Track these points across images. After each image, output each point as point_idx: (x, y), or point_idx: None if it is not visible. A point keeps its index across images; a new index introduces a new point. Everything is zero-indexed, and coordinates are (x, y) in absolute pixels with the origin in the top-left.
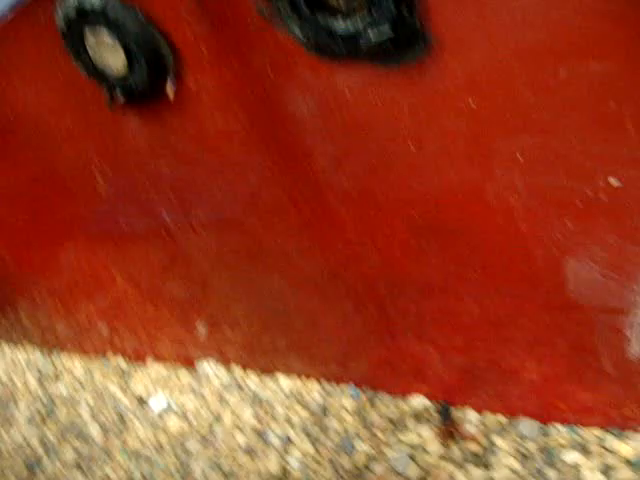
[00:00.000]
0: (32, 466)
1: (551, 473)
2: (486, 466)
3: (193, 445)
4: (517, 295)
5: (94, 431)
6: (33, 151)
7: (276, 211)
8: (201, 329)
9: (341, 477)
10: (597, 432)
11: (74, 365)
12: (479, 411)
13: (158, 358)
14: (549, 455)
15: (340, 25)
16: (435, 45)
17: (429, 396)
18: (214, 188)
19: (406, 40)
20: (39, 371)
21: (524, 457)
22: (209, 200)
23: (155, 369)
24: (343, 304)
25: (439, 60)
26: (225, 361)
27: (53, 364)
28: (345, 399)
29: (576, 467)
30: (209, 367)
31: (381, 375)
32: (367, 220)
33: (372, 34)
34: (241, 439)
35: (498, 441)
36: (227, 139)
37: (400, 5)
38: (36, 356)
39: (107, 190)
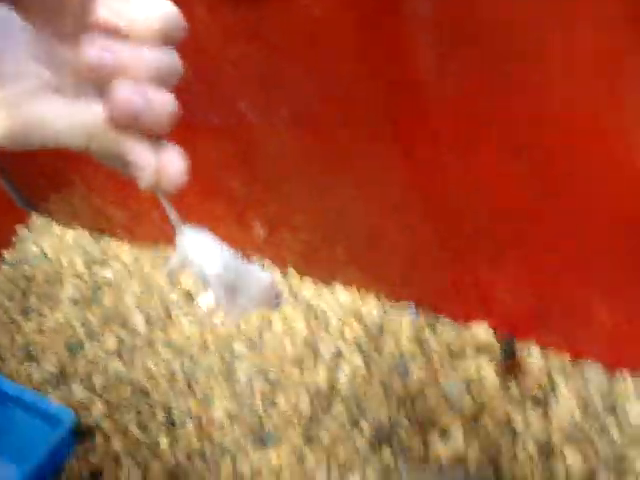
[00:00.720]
0: (73, 348)
1: (611, 421)
2: (544, 407)
3: (239, 348)
4: (605, 232)
5: (138, 321)
6: None
7: (366, 119)
8: (258, 230)
9: (390, 398)
10: None
11: (123, 251)
12: (544, 348)
13: None
14: (612, 404)
15: None
16: None
17: (493, 327)
18: (304, 85)
19: None
20: (87, 253)
21: (585, 403)
22: (296, 97)
23: None
24: (414, 219)
25: None
26: (281, 265)
27: (102, 249)
28: (404, 320)
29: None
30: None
31: (445, 298)
32: (461, 134)
33: None
34: (290, 348)
35: (560, 383)
36: (326, 31)
37: None
38: (85, 239)
39: (188, 76)
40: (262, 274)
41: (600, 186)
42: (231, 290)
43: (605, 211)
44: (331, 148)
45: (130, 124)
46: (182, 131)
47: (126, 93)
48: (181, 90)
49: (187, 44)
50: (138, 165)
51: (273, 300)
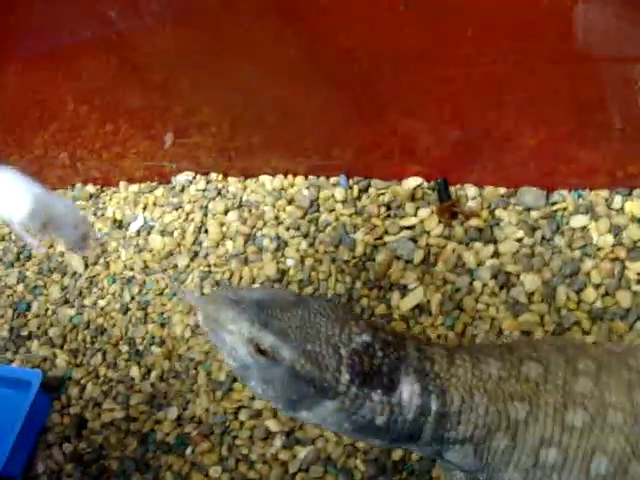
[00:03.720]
0: (19, 308)
1: (558, 239)
2: (491, 240)
3: (181, 260)
4: (516, 52)
5: (75, 263)
6: None
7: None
8: (169, 140)
9: (342, 271)
10: (604, 193)
11: None
12: (478, 186)
13: (129, 179)
14: (555, 222)
15: None
16: None
17: (425, 176)
18: None
19: None
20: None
21: (530, 227)
22: None
23: (128, 190)
24: (322, 87)
25: None
26: (201, 170)
27: None
28: (337, 191)
29: (584, 230)
30: (184, 178)
31: (370, 161)
32: None
33: None
34: (231, 246)
35: (501, 214)
36: None
37: None
38: None
39: None
40: (74, 212)
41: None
42: (43, 228)
43: (507, 31)
44: (213, 33)
45: None
46: (69, 52)
47: None
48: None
49: None
50: None
51: (83, 240)
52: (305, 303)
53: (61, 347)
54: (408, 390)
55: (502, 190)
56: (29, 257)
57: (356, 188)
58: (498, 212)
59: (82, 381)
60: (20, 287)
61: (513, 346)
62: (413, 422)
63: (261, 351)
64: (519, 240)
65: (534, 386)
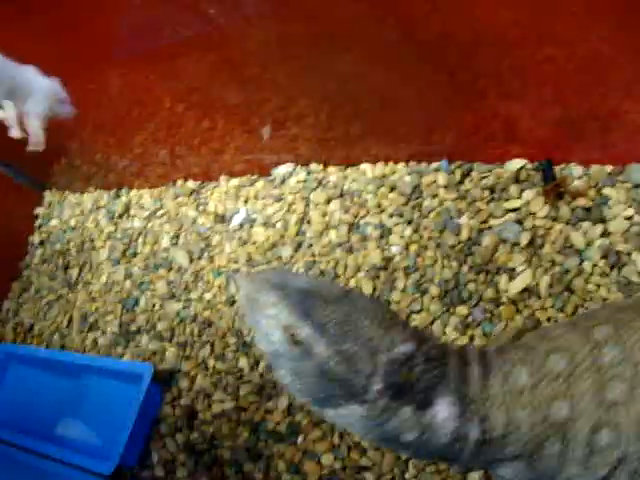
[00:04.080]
0: (127, 304)
1: None
2: (599, 219)
3: (285, 252)
4: (622, 28)
5: (181, 258)
6: None
7: None
8: (267, 133)
9: (448, 256)
10: None
11: (143, 198)
12: (584, 165)
13: (229, 173)
14: None
15: None
16: None
17: (528, 157)
18: None
19: None
20: (110, 211)
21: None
22: None
23: (228, 184)
24: (420, 73)
25: None
26: (301, 161)
27: (122, 202)
28: (439, 177)
29: None
30: (285, 170)
31: (471, 144)
32: None
33: None
34: (334, 236)
35: (609, 192)
36: None
37: None
38: (103, 198)
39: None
40: (43, 79)
41: None
42: (10, 98)
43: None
44: (311, 25)
45: None
46: (166, 52)
47: None
48: (149, 12)
49: None
50: None
51: (61, 105)
52: (352, 299)
53: (170, 340)
54: (443, 413)
55: (609, 168)
56: (135, 254)
57: (458, 172)
58: (606, 190)
59: (192, 373)
60: (127, 283)
61: (530, 343)
62: (449, 445)
63: (296, 341)
64: (629, 218)
65: (566, 378)
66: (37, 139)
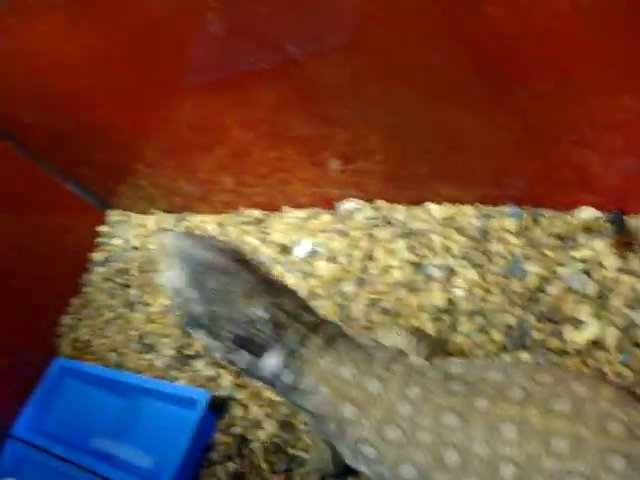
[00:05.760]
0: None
1: None
2: None
3: (347, 287)
4: None
5: None
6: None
7: (418, 21)
8: (334, 166)
9: (513, 302)
10: None
11: (207, 223)
12: None
13: (294, 204)
14: None
15: None
16: None
17: (598, 206)
18: (346, 7)
19: None
20: None
21: None
22: (340, 21)
23: (293, 215)
24: (493, 116)
25: None
26: (367, 197)
27: (185, 226)
28: (506, 220)
29: None
30: (351, 205)
31: (542, 189)
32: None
33: None
34: (399, 275)
35: None
36: None
37: None
38: (166, 220)
39: (221, 29)
40: None
41: None
42: None
43: None
44: (385, 60)
45: None
46: (238, 81)
47: None
48: (227, 44)
49: None
50: None
51: None
52: (233, 272)
53: (225, 367)
54: (270, 362)
55: None
56: None
57: (527, 218)
58: None
59: (245, 402)
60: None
61: (385, 363)
62: (268, 380)
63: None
64: None
65: (368, 396)
66: None
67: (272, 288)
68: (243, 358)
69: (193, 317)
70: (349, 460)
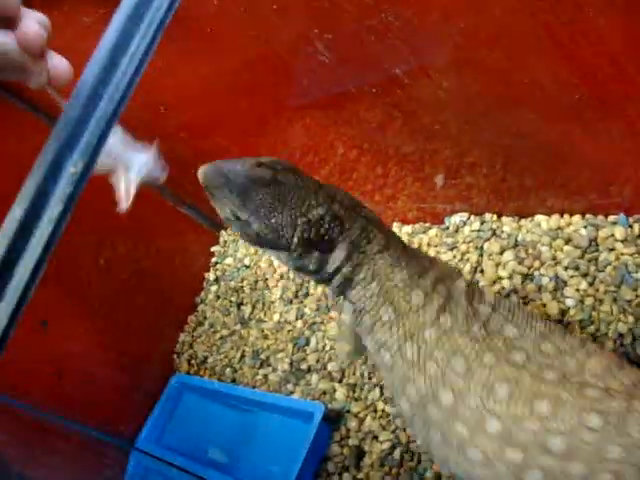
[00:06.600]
0: (299, 343)
1: None
2: None
3: None
4: None
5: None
6: (246, 34)
7: (526, 41)
8: (440, 182)
9: (625, 310)
10: None
11: None
12: None
13: (402, 220)
14: None
15: None
16: None
17: None
18: (450, 28)
19: None
20: None
21: None
22: (445, 42)
23: (401, 231)
24: (597, 126)
25: None
26: (474, 211)
27: None
28: (615, 229)
29: None
30: (458, 219)
31: None
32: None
33: None
34: (508, 286)
35: None
36: None
37: None
38: None
39: (328, 56)
40: (143, 154)
41: None
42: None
43: None
44: (491, 79)
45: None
46: (342, 102)
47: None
48: (334, 65)
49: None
50: (34, 72)
51: (155, 173)
52: (279, 181)
53: (340, 381)
54: (338, 255)
55: None
56: (306, 294)
57: (637, 227)
58: None
59: (360, 414)
60: (299, 323)
61: (434, 281)
62: (330, 273)
63: (238, 217)
64: None
65: (408, 307)
66: (127, 204)
67: (323, 187)
68: (315, 258)
69: (254, 236)
70: (371, 357)
